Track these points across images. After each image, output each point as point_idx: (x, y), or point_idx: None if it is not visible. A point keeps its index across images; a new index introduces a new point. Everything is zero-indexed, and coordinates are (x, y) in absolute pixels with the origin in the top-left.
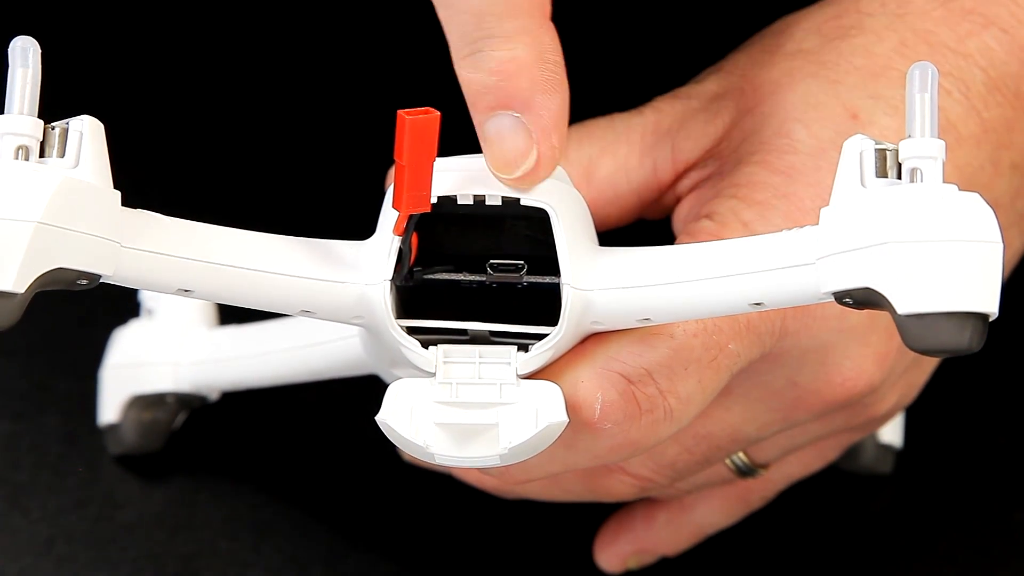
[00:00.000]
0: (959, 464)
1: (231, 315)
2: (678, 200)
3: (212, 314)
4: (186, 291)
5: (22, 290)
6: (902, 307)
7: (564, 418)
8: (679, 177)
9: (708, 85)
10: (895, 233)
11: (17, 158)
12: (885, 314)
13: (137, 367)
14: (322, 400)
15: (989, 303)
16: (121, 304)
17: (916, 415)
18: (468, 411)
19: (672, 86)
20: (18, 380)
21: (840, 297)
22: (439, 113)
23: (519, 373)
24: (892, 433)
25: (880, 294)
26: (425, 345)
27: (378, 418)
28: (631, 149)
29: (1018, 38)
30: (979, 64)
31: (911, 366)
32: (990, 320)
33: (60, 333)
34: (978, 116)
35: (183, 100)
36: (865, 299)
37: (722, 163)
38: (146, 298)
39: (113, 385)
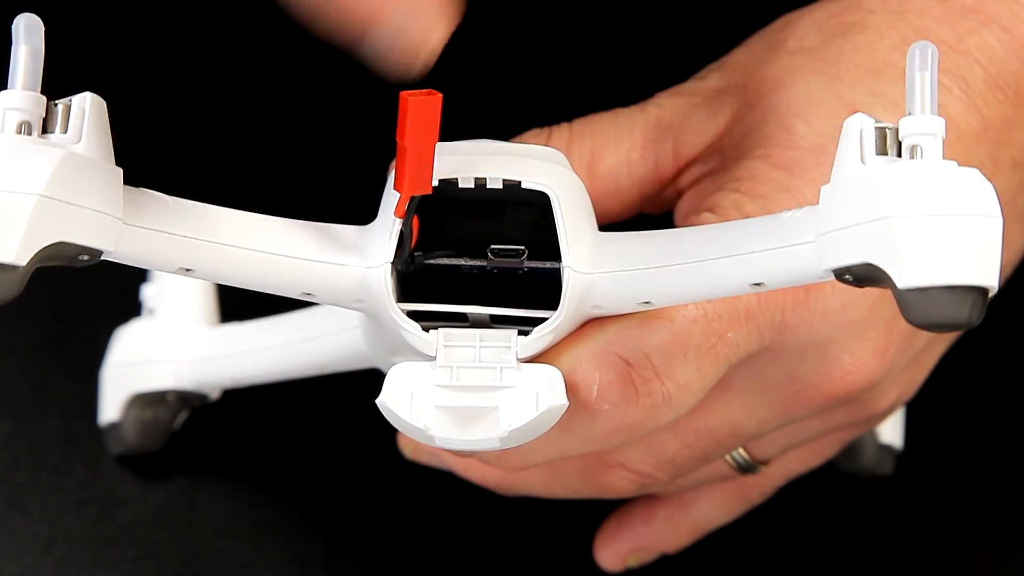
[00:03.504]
0: (959, 465)
1: (231, 314)
2: (679, 195)
3: (213, 312)
4: (187, 270)
5: (24, 263)
6: (902, 281)
7: (564, 401)
8: (680, 172)
9: (710, 81)
10: (895, 208)
11: (20, 133)
12: (885, 309)
13: (138, 365)
14: (322, 400)
15: (989, 277)
16: (121, 304)
17: (916, 415)
18: (468, 394)
19: (674, 83)
20: (18, 380)
21: (840, 274)
22: (441, 95)
23: (519, 357)
24: (892, 433)
25: (880, 269)
26: (426, 330)
27: (378, 401)
28: (633, 143)
29: (1018, 36)
30: (979, 62)
31: (911, 362)
32: (990, 295)
33: (60, 333)
34: (978, 113)
35: (183, 87)
36: (865, 275)
37: (724, 158)
38: (147, 298)
39: (114, 383)
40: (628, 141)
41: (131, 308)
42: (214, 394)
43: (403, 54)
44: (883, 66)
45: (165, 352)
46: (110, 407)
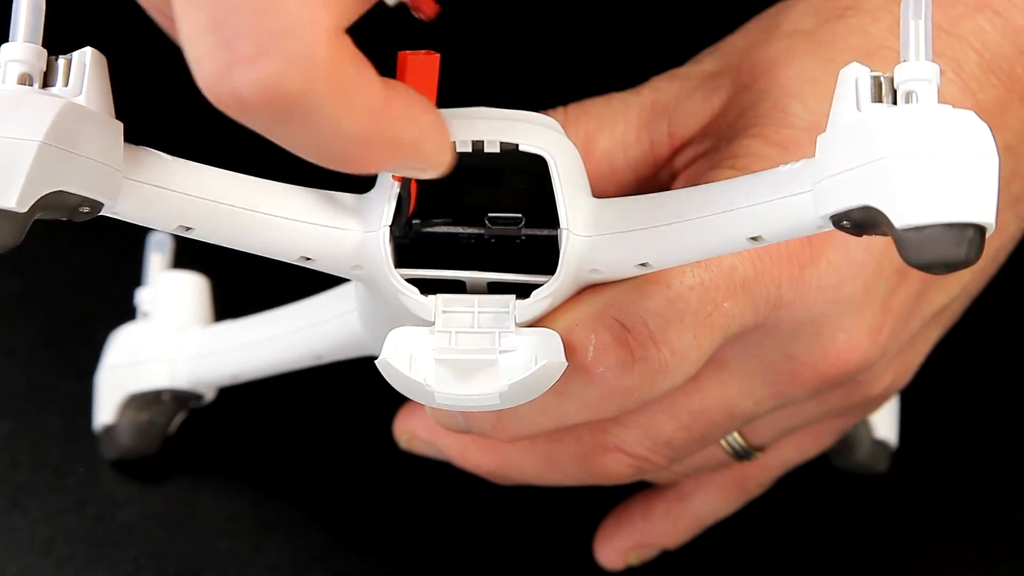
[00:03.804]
0: (958, 464)
1: (227, 317)
2: (675, 176)
3: (208, 313)
4: (187, 228)
5: (24, 209)
6: (900, 220)
7: (563, 359)
8: (675, 153)
9: (705, 65)
10: (891, 149)
11: (21, 84)
12: (879, 289)
13: (132, 366)
14: (322, 400)
15: (986, 214)
16: (120, 304)
17: (912, 412)
18: (467, 356)
19: (670, 68)
20: (18, 380)
21: (838, 220)
22: (439, 55)
23: (517, 321)
24: (887, 429)
25: (878, 211)
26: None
27: (378, 361)
28: (628, 125)
29: (1011, 20)
30: (973, 46)
31: (905, 347)
32: (988, 234)
33: (60, 333)
34: (972, 97)
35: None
36: (863, 219)
37: (718, 139)
38: (142, 301)
39: (109, 386)
40: (623, 123)
41: (130, 308)
42: (209, 394)
43: (421, 171)
44: (877, 48)
45: (160, 352)
46: (105, 409)
